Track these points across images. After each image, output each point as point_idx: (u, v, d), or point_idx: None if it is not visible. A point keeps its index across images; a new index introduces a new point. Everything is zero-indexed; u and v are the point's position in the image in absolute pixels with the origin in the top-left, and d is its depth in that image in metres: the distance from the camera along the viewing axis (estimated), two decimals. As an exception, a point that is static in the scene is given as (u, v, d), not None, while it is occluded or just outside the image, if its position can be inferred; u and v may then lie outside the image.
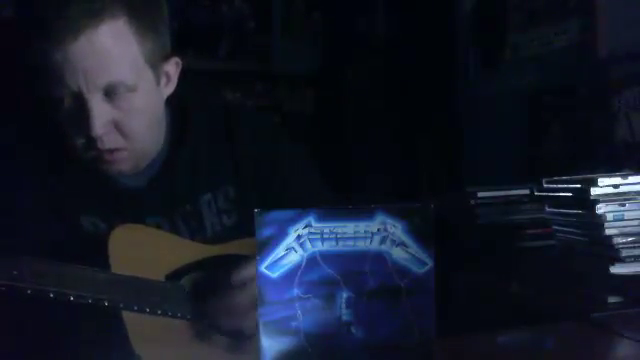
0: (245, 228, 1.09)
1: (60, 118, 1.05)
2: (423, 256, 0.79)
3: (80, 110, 1.03)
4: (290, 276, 0.78)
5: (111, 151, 1.08)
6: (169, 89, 1.15)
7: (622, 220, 1.46)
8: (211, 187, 1.20)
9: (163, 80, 1.13)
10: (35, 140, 1.15)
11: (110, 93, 1.04)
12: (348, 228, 0.78)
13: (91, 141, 1.06)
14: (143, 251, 1.09)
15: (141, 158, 1.13)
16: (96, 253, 1.05)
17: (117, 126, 1.06)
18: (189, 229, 1.18)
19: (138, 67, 1.06)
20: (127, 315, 1.03)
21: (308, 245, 0.78)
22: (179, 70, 1.15)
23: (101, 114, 1.04)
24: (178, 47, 1.17)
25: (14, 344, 1.07)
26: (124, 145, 1.08)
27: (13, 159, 1.14)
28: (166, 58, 1.12)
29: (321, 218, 0.78)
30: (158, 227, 1.16)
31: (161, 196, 1.17)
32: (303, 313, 0.78)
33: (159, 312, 1.06)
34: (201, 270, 1.12)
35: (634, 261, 1.44)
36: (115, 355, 1.03)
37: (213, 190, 1.20)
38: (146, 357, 1.02)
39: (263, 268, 0.78)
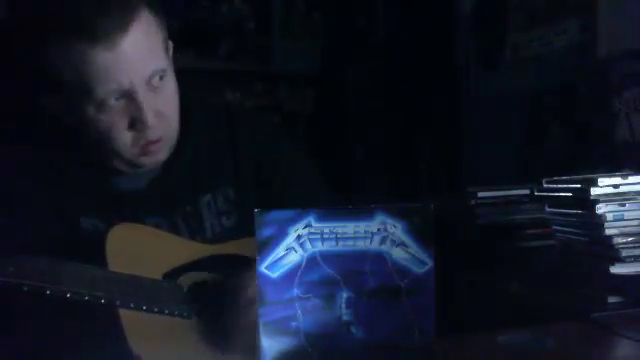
0: (244, 229, 1.10)
1: (104, 118, 1.06)
2: (423, 256, 0.79)
3: (130, 105, 1.05)
4: (290, 276, 0.78)
5: (153, 142, 1.09)
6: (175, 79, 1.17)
7: (622, 220, 1.46)
8: (211, 188, 1.20)
9: None
10: (39, 142, 1.15)
11: (149, 82, 1.06)
12: (348, 228, 0.79)
13: (139, 134, 1.07)
14: (140, 250, 1.09)
15: (170, 147, 1.15)
16: (95, 254, 1.05)
17: (159, 115, 1.08)
18: (189, 230, 1.18)
19: (163, 48, 1.09)
20: (125, 315, 1.03)
21: (308, 245, 0.78)
22: (172, 52, 1.18)
23: (150, 105, 1.06)
24: (178, 47, 1.18)
25: (11, 343, 1.07)
26: (163, 134, 1.10)
27: (16, 159, 1.15)
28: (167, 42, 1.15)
29: (321, 218, 0.78)
30: (157, 228, 1.15)
31: (161, 197, 1.17)
32: (303, 313, 0.78)
33: (156, 310, 1.06)
34: (198, 269, 1.12)
35: (634, 261, 1.44)
36: (114, 355, 1.03)
37: (213, 191, 1.20)
38: (145, 357, 1.02)
39: (263, 268, 0.78)
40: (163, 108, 1.09)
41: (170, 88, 1.11)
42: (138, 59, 1.04)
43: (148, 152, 1.10)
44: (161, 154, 1.13)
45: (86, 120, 1.07)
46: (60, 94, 1.06)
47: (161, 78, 1.08)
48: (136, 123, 1.06)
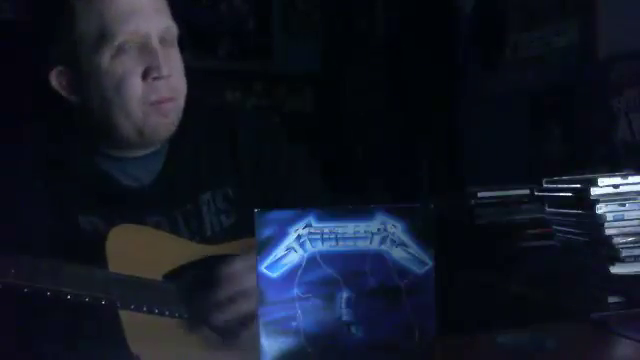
0: (244, 228, 1.10)
1: (119, 65, 1.07)
2: (423, 256, 0.79)
3: (145, 53, 1.08)
4: (290, 276, 0.78)
5: (166, 100, 1.10)
6: None
7: (622, 220, 1.46)
8: (211, 187, 1.20)
9: None
10: (38, 138, 1.15)
11: (164, 40, 1.10)
12: (348, 228, 0.78)
13: (152, 87, 1.08)
14: (141, 251, 1.09)
15: (177, 119, 1.15)
16: (95, 253, 1.05)
17: (170, 73, 1.10)
18: (189, 229, 1.18)
19: (173, 21, 1.14)
20: (125, 316, 1.03)
21: (308, 245, 0.78)
22: None
23: (162, 56, 1.09)
24: (178, 47, 1.18)
25: (11, 343, 1.06)
26: (174, 94, 1.12)
27: (14, 157, 1.14)
28: None
29: (321, 218, 0.78)
30: (158, 227, 1.15)
31: (161, 195, 1.17)
32: (303, 313, 0.78)
33: (156, 311, 1.06)
34: (198, 270, 1.12)
35: (634, 261, 1.44)
36: (113, 356, 1.03)
37: (212, 190, 1.20)
38: (144, 357, 1.02)
39: (263, 268, 0.78)
40: (173, 70, 1.11)
41: (178, 57, 1.14)
42: (154, 9, 1.10)
43: (159, 111, 1.10)
44: (171, 118, 1.13)
45: (100, 72, 1.08)
46: (74, 52, 1.09)
47: (172, 42, 1.12)
48: (150, 71, 1.08)
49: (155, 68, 1.08)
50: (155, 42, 1.09)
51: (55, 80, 1.12)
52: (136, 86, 1.08)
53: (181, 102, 1.14)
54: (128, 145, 1.14)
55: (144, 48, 1.08)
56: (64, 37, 1.09)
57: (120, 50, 1.07)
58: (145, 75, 1.08)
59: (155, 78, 1.08)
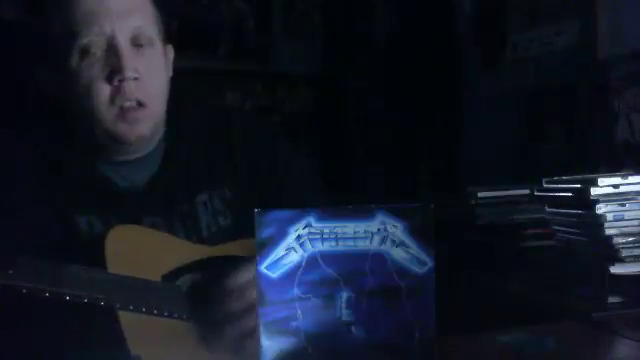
0: (241, 229, 1.09)
1: (86, 68, 1.07)
2: (423, 256, 0.79)
3: (111, 55, 1.06)
4: (290, 276, 0.78)
5: (134, 107, 1.09)
6: (168, 72, 1.18)
7: (622, 220, 1.46)
8: (207, 187, 1.20)
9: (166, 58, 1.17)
10: (34, 138, 1.15)
11: (135, 41, 1.08)
12: (348, 228, 0.79)
13: (118, 91, 1.07)
14: (140, 251, 1.09)
15: (156, 125, 1.14)
16: (93, 253, 1.04)
17: (139, 76, 1.08)
18: (185, 229, 1.17)
19: (154, 24, 1.12)
20: (124, 316, 1.03)
21: (308, 245, 0.78)
22: (172, 59, 1.19)
23: (130, 58, 1.07)
24: (178, 47, 1.18)
25: (9, 345, 1.06)
26: (145, 100, 1.10)
27: (10, 157, 1.14)
28: (166, 41, 1.16)
29: (321, 218, 0.78)
30: (154, 227, 1.15)
31: (158, 196, 1.16)
32: (303, 313, 0.78)
33: (155, 312, 1.05)
34: (198, 271, 1.12)
35: (634, 261, 1.44)
36: (114, 357, 1.03)
37: (209, 190, 1.20)
38: (145, 358, 1.02)
39: (263, 268, 0.78)
40: (145, 73, 1.09)
41: (156, 61, 1.12)
42: (124, 9, 1.07)
43: (127, 118, 1.09)
44: (142, 126, 1.11)
45: (70, 74, 1.07)
46: (50, 52, 1.09)
47: (146, 44, 1.10)
48: (114, 74, 1.06)
49: (118, 70, 1.06)
50: (122, 43, 1.07)
51: (41, 80, 1.12)
52: (103, 89, 1.07)
53: (155, 108, 1.12)
54: (109, 149, 1.13)
55: (110, 50, 1.07)
56: (40, 36, 1.10)
57: (86, 51, 1.06)
58: (110, 78, 1.07)
59: (121, 81, 1.07)
